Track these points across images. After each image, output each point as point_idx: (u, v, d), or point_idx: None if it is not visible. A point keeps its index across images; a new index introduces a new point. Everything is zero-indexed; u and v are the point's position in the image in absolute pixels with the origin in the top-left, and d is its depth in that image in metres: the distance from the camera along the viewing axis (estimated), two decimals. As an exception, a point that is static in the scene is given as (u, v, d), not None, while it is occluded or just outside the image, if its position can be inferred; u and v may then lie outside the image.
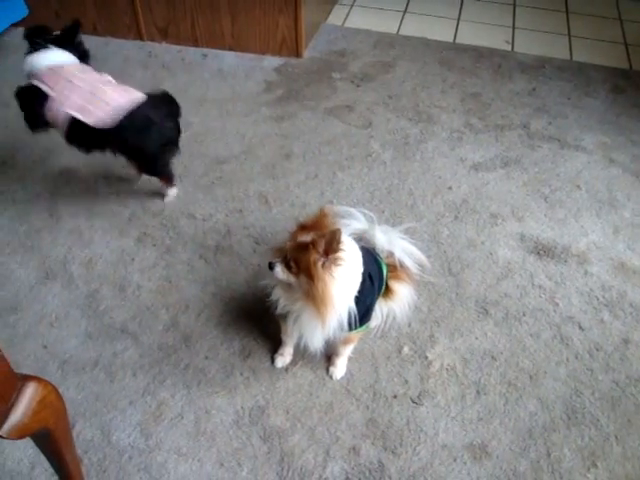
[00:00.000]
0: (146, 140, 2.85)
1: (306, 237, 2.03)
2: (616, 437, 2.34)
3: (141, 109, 2.80)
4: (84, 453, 2.27)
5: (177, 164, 3.44)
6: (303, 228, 2.09)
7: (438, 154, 3.57)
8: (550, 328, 2.69)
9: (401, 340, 2.61)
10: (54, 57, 2.87)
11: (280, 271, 2.11)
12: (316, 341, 2.27)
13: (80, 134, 2.86)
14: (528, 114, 3.88)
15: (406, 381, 2.49)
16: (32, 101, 2.87)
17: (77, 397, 2.45)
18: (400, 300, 2.42)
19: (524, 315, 2.74)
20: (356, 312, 2.11)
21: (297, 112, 3.87)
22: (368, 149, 3.58)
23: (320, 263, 1.99)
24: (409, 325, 2.65)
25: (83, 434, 2.33)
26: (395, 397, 2.44)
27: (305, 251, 2.00)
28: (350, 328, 2.13)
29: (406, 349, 2.58)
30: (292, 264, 2.06)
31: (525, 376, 2.52)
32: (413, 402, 2.42)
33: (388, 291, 2.36)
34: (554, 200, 3.29)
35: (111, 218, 3.19)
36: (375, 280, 2.21)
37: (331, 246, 1.96)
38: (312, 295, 2.04)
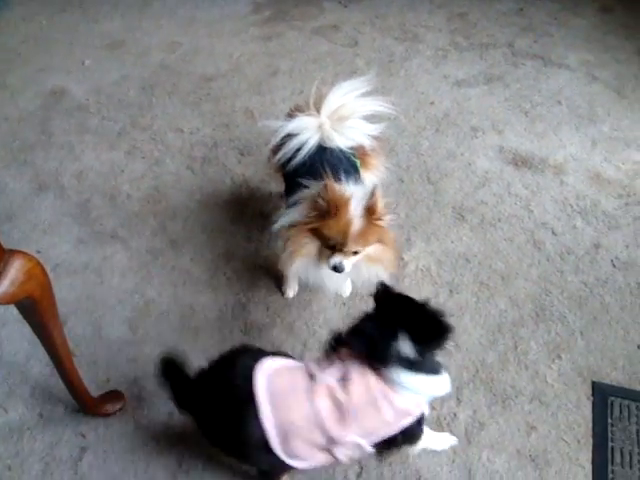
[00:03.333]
0: None
1: (356, 221, 2.03)
2: (581, 332, 2.46)
3: None
4: (76, 346, 2.38)
5: (165, 82, 3.53)
6: (327, 216, 2.04)
7: (422, 71, 3.63)
8: (524, 233, 2.79)
9: (378, 243, 2.71)
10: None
11: (348, 264, 2.11)
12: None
13: None
14: (514, 33, 3.91)
15: (382, 280, 2.60)
16: None
17: (69, 297, 2.58)
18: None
19: (499, 221, 2.84)
20: None
21: (284, 32, 3.91)
22: (353, 66, 3.64)
23: (385, 222, 2.10)
24: (387, 229, 2.76)
25: (75, 330, 2.47)
26: (371, 295, 2.55)
27: (371, 227, 2.05)
28: None
29: (383, 251, 2.69)
30: (360, 248, 2.09)
31: (497, 277, 2.64)
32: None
33: None
34: (534, 115, 3.36)
35: (101, 133, 3.28)
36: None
37: (378, 203, 2.03)
38: (383, 253, 2.15)
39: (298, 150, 2.28)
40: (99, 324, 2.49)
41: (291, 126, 2.30)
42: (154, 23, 4.03)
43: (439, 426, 2.20)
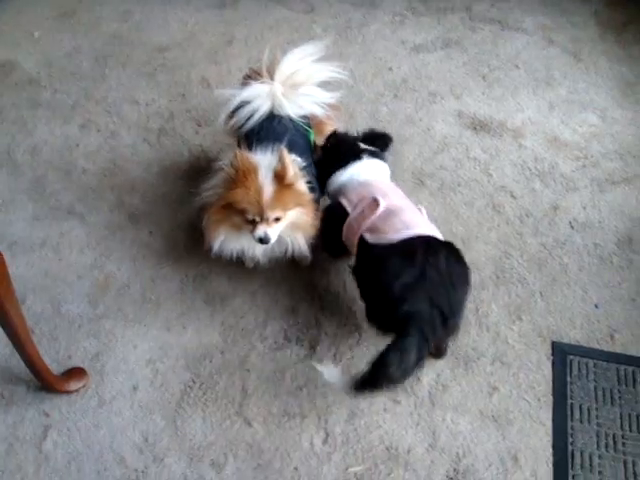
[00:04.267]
0: (392, 282, 1.98)
1: (266, 187, 2.04)
2: (541, 294, 2.50)
3: (424, 250, 2.01)
4: (35, 324, 2.38)
5: (119, 53, 3.46)
6: (236, 185, 2.06)
7: (380, 37, 3.60)
8: (483, 197, 2.81)
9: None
10: (368, 170, 2.35)
11: (274, 233, 2.12)
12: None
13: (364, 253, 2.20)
14: (471, -3, 3.90)
15: (344, 249, 2.61)
16: (334, 223, 2.28)
17: (27, 275, 2.54)
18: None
19: (459, 185, 2.85)
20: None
21: (240, -1, 3.85)
22: (310, 33, 3.60)
23: (299, 185, 2.12)
24: (346, 197, 2.75)
25: (33, 308, 2.44)
26: (332, 264, 2.57)
27: (286, 192, 2.06)
28: None
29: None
30: (280, 214, 2.09)
31: (458, 241, 2.62)
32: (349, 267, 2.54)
33: (315, 150, 2.46)
34: (492, 79, 3.36)
35: (54, 107, 3.20)
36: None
37: (287, 168, 2.04)
38: (304, 217, 2.17)
39: (250, 117, 2.28)
40: (58, 301, 2.46)
41: (244, 94, 2.29)
42: (105, -8, 3.93)
43: (403, 390, 2.23)
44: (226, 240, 2.22)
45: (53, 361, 2.26)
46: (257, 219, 2.08)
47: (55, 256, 2.60)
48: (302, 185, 2.14)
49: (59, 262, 2.58)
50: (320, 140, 2.49)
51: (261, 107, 2.28)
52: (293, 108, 2.31)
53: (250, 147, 2.20)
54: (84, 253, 2.61)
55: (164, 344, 2.34)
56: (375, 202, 2.15)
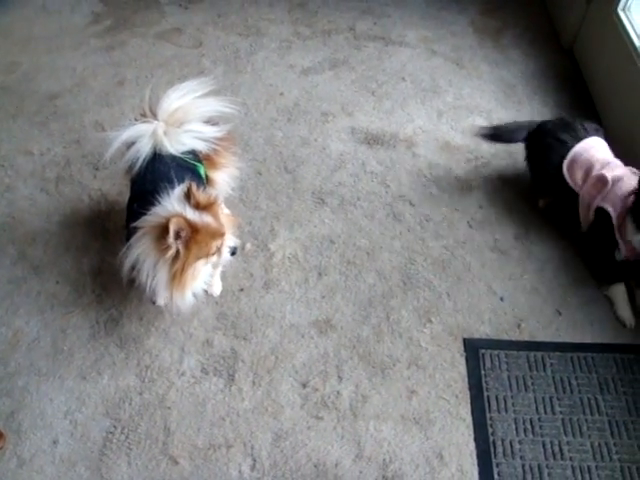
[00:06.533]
0: None
1: (205, 218, 2.10)
2: (448, 294, 2.60)
3: None
4: (-56, 391, 2.31)
5: (8, 105, 3.41)
6: (196, 241, 2.08)
7: (268, 64, 3.67)
8: (383, 208, 2.90)
9: (243, 238, 2.74)
10: None
11: (233, 241, 2.30)
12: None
13: None
14: (354, 17, 4.01)
15: (251, 274, 2.64)
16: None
17: None
18: (221, 185, 2.56)
19: (358, 200, 2.93)
20: None
21: (127, 40, 3.84)
22: (200, 67, 3.63)
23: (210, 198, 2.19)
24: (250, 223, 2.80)
25: (-63, 377, 2.37)
26: (242, 290, 2.59)
27: (211, 208, 2.13)
28: None
29: (249, 245, 2.73)
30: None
31: (363, 253, 2.73)
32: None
33: (209, 182, 2.47)
34: (381, 93, 3.47)
35: (-57, 167, 3.13)
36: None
37: (195, 195, 2.09)
38: (224, 215, 2.34)
39: (136, 159, 2.28)
40: (-35, 365, 2.41)
41: (125, 135, 2.29)
42: (-12, 45, 3.87)
43: (324, 406, 2.27)
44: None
45: (-34, 427, 2.21)
46: (219, 244, 2.17)
47: (-42, 319, 2.54)
48: (208, 195, 2.18)
49: (-37, 324, 2.52)
50: (219, 173, 2.52)
51: (144, 148, 2.27)
52: (175, 145, 2.30)
53: (140, 191, 2.22)
54: (-11, 312, 2.55)
55: (81, 393, 2.31)
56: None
